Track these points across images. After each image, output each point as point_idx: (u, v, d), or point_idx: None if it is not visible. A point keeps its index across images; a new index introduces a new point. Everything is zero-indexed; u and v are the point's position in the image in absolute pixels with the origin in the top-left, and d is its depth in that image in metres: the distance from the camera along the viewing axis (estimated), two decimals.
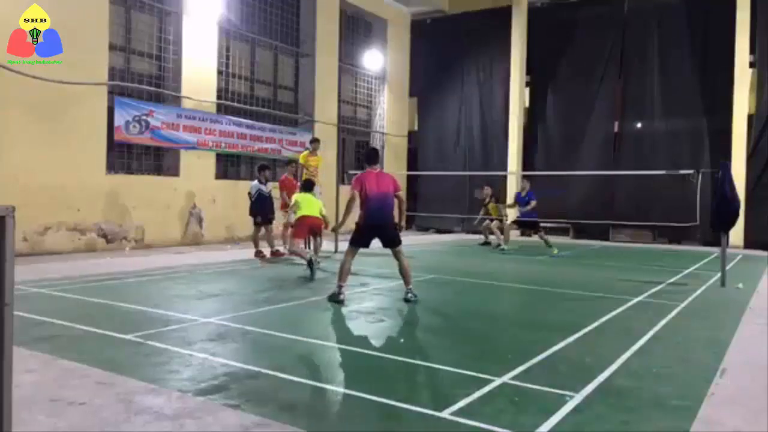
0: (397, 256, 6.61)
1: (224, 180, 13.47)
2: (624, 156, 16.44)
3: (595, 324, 5.63)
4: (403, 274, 6.61)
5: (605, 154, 16.72)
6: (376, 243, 6.65)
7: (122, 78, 11.57)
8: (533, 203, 12.54)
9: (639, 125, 16.69)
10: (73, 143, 10.46)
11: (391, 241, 6.56)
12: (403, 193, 6.67)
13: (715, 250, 11.30)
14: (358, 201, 6.65)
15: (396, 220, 6.70)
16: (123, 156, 11.67)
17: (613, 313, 6.21)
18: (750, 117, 14.75)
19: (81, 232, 10.66)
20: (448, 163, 18.83)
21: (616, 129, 16.71)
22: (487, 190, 14.63)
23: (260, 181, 10.71)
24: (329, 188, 13.17)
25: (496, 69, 18.38)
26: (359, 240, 6.62)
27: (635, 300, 7.00)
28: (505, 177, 17.52)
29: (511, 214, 14.29)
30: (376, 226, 6.52)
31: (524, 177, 14.40)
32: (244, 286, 7.44)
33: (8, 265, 2.10)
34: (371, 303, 6.57)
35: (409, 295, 6.56)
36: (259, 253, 10.57)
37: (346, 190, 14.53)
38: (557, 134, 17.55)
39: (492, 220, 14.01)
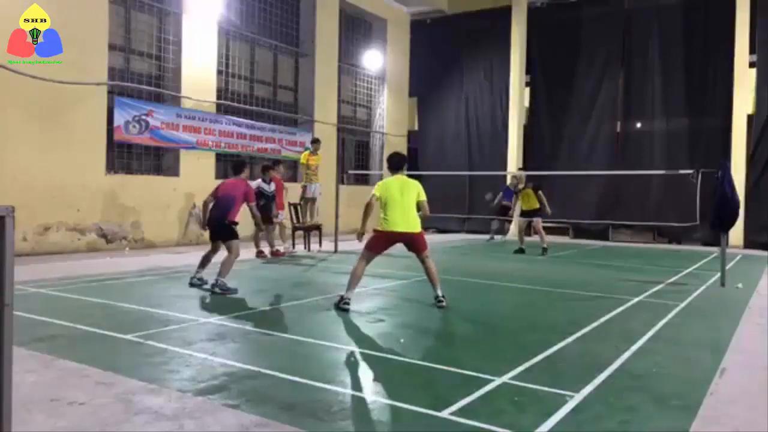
0: (226, 247, 7.19)
1: (224, 180, 13.43)
2: (624, 156, 16.42)
3: (595, 324, 5.64)
4: (221, 265, 6.97)
5: (605, 154, 16.69)
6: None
7: (122, 78, 11.56)
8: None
9: (639, 125, 16.67)
10: (73, 143, 10.45)
11: (220, 236, 7.33)
12: (253, 205, 7.55)
13: (715, 250, 11.30)
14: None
15: (232, 218, 7.27)
16: (123, 156, 11.65)
17: (613, 313, 6.21)
18: (750, 117, 14.74)
19: (81, 232, 10.66)
20: (448, 162, 18.81)
21: (616, 129, 16.70)
22: (520, 175, 12.72)
23: (264, 180, 10.71)
24: (329, 188, 13.18)
25: (496, 69, 18.35)
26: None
27: (635, 300, 7.00)
28: (505, 177, 17.51)
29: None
30: (211, 224, 7.39)
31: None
32: (244, 286, 7.42)
33: (8, 265, 2.11)
34: (371, 303, 6.57)
35: (207, 285, 7.01)
36: (260, 253, 10.57)
37: (345, 190, 14.69)
38: (557, 134, 17.52)
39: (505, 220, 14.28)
